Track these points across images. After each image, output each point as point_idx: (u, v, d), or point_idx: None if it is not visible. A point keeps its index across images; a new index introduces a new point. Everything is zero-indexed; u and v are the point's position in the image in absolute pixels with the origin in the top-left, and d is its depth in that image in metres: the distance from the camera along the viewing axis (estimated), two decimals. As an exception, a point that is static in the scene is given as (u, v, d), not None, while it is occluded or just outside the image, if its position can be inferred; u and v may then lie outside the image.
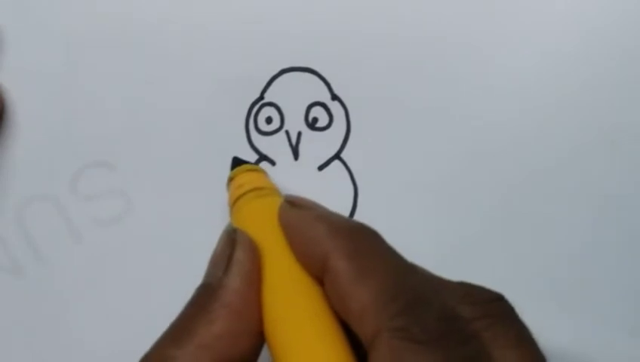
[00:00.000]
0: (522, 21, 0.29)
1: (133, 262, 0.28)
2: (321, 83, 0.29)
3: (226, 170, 0.29)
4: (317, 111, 0.29)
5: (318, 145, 0.29)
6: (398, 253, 0.19)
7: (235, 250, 0.19)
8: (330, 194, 0.28)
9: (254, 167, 0.26)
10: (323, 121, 0.29)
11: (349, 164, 0.28)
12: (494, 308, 0.17)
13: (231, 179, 0.26)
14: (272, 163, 0.29)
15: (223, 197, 0.28)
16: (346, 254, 0.18)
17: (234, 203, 0.24)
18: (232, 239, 0.20)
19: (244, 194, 0.24)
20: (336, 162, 0.28)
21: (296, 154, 0.29)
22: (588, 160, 0.28)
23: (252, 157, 0.29)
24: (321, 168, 0.29)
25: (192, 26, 0.29)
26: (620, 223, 0.28)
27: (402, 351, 0.15)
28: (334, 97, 0.29)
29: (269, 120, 0.29)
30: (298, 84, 0.29)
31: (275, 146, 0.29)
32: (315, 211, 0.20)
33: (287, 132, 0.29)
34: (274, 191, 0.24)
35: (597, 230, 0.28)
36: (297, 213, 0.20)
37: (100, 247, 0.29)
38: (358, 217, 0.28)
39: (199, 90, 0.29)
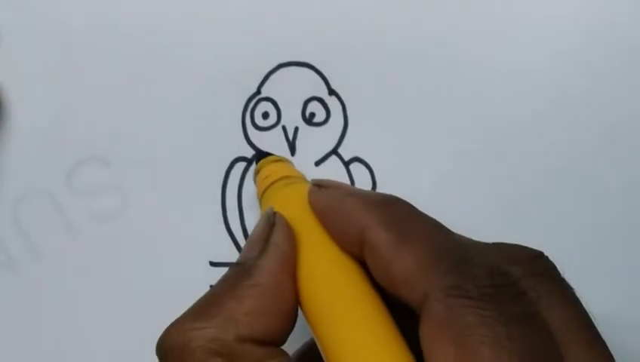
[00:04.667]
0: (522, 19, 0.29)
1: (130, 257, 0.28)
2: (319, 78, 0.29)
3: (222, 164, 0.28)
4: (314, 107, 0.29)
5: (315, 141, 0.28)
6: (434, 219, 0.18)
7: (272, 232, 0.19)
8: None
9: (279, 157, 0.26)
10: (320, 116, 0.29)
11: (346, 160, 0.28)
12: (537, 267, 0.17)
13: (257, 172, 0.25)
14: (269, 158, 0.29)
15: (219, 191, 0.28)
16: (383, 224, 0.17)
17: (262, 194, 0.24)
18: (270, 222, 0.20)
19: (272, 183, 0.23)
20: (333, 157, 0.28)
21: (293, 149, 0.29)
22: (587, 157, 0.28)
23: (248, 152, 0.28)
24: (318, 163, 0.28)
25: (188, 21, 0.29)
26: (619, 221, 0.28)
27: (458, 308, 0.15)
28: (331, 92, 0.29)
29: (265, 115, 0.29)
30: (295, 78, 0.29)
31: (272, 141, 0.28)
32: (344, 189, 0.20)
33: (283, 127, 0.29)
34: (301, 178, 0.24)
35: (596, 227, 0.28)
36: (328, 193, 0.20)
37: (96, 243, 0.28)
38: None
39: (195, 85, 0.29)
